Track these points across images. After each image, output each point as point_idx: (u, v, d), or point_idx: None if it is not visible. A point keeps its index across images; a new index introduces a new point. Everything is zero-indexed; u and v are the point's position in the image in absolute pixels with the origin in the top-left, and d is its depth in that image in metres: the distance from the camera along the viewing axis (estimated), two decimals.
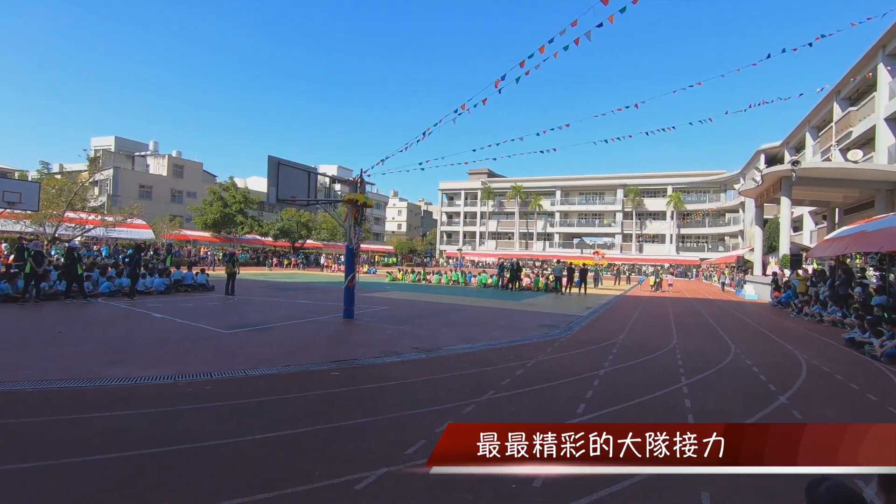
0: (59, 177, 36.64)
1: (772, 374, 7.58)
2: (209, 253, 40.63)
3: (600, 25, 7.94)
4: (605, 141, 13.85)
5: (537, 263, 62.72)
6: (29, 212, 21.41)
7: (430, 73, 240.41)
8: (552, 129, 12.53)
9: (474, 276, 30.14)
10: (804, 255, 24.84)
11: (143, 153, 56.42)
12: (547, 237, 73.25)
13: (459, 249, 63.76)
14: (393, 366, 7.42)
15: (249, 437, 4.30)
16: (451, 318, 13.14)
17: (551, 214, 73.02)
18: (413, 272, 32.37)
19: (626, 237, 68.23)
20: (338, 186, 58.50)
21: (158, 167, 54.11)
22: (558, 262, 29.62)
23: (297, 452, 4.00)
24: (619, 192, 68.47)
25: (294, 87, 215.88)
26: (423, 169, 14.85)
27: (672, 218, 64.82)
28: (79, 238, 28.01)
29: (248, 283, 21.88)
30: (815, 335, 12.52)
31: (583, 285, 25.51)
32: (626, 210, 67.92)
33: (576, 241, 71.54)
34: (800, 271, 20.76)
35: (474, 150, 20.22)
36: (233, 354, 7.64)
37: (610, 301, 21.25)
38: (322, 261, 47.16)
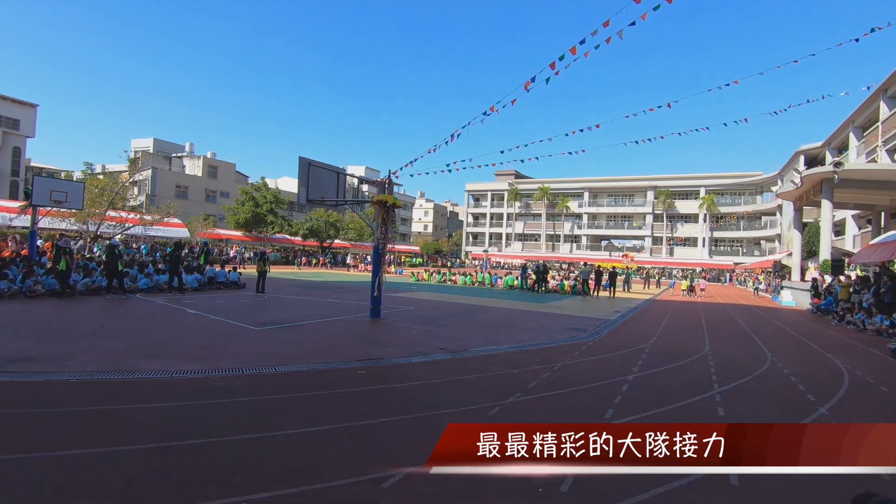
0: (101, 177, 38.24)
1: (811, 384, 7.29)
2: (240, 251, 41.67)
3: (633, 24, 7.81)
4: (636, 142, 13.61)
5: (563, 266, 62.06)
6: (74, 210, 22.39)
7: (457, 74, 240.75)
8: (581, 131, 12.40)
9: (500, 278, 30.00)
10: (846, 260, 23.80)
11: (179, 154, 58.36)
12: (574, 239, 72.35)
13: (485, 251, 63.54)
14: (419, 366, 7.45)
15: (279, 432, 4.39)
16: (476, 320, 13.12)
17: (579, 216, 72.11)
18: (439, 273, 32.46)
19: (657, 240, 66.79)
20: (365, 187, 59.20)
21: (194, 168, 55.86)
22: (585, 264, 29.21)
23: (326, 449, 4.06)
24: (650, 194, 67.06)
25: (323, 89, 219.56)
26: (450, 171, 14.93)
27: (705, 221, 63.11)
28: (119, 236, 29.15)
29: (277, 282, 22.35)
30: (857, 344, 11.98)
31: (611, 289, 25.09)
32: (656, 212, 66.49)
33: (604, 243, 70.46)
34: (842, 277, 19.89)
35: (502, 152, 20.22)
36: (263, 351, 7.82)
37: (639, 305, 20.83)
38: (349, 260, 47.80)
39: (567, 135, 10.80)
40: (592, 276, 25.10)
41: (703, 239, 63.35)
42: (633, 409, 5.58)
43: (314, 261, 46.74)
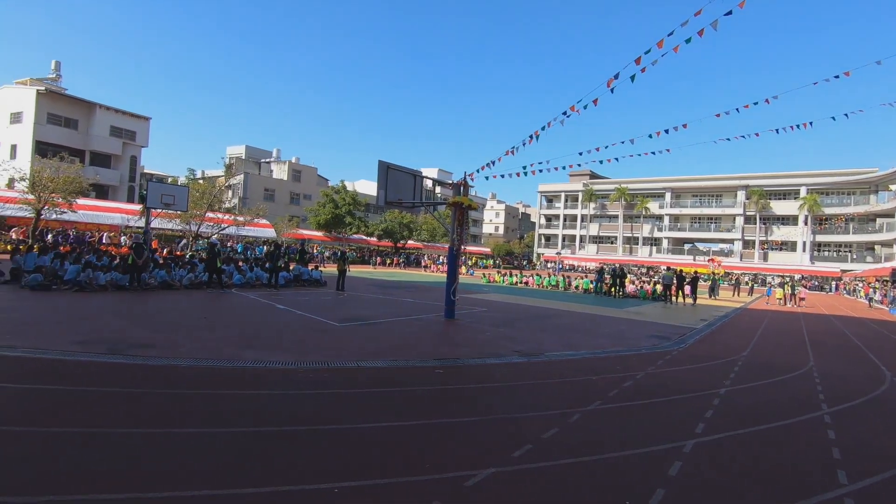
0: (201, 182, 42.01)
1: None
2: (320, 251, 43.93)
3: (729, 13, 7.28)
4: (727, 139, 12.52)
5: (642, 270, 59.08)
6: (179, 212, 24.78)
7: (536, 73, 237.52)
8: (666, 132, 11.66)
9: (578, 281, 29.16)
10: None
11: (267, 160, 62.68)
12: (654, 242, 68.65)
13: (558, 253, 62.01)
14: (495, 367, 7.45)
15: (363, 424, 4.59)
16: (551, 323, 12.87)
17: (659, 218, 68.29)
18: (511, 275, 32.20)
19: (748, 244, 61.62)
20: (438, 189, 60.13)
21: (280, 172, 59.70)
22: (668, 269, 27.58)
23: (407, 444, 4.19)
24: (740, 194, 62.02)
25: (399, 92, 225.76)
26: (526, 174, 14.70)
27: (806, 223, 57.30)
28: (215, 235, 31.84)
29: (355, 281, 23.30)
30: None
31: (693, 296, 23.48)
32: (748, 213, 61.35)
33: (687, 246, 66.16)
34: None
35: (580, 154, 19.38)
36: (345, 346, 8.20)
37: (728, 314, 19.35)
38: (423, 261, 48.76)
39: (651, 136, 9.97)
40: (675, 281, 23.65)
41: (804, 243, 57.52)
42: (728, 424, 5.21)
43: (388, 261, 48.15)
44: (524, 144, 11.19)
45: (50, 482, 3.10)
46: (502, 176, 13.60)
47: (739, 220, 62.12)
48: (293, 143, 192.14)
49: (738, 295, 33.28)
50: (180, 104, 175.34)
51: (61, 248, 19.11)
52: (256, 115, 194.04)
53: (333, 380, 6.11)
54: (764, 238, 60.74)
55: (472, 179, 12.66)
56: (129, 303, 11.63)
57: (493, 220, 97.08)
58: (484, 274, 35.16)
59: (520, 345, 9.29)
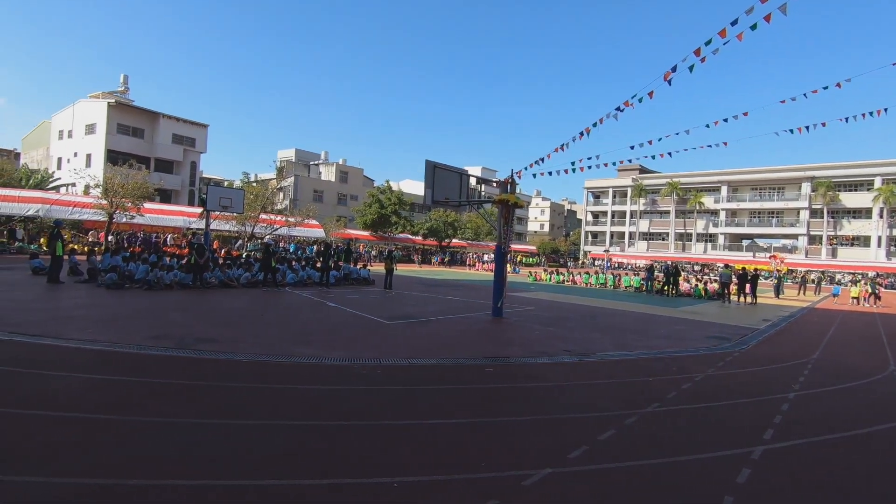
0: (255, 185, 43.83)
1: None
2: (367, 250, 44.84)
3: None
4: (791, 131, 11.57)
5: (696, 267, 56.56)
6: (235, 214, 25.96)
7: (587, 65, 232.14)
8: (725, 120, 11.04)
9: (628, 280, 28.30)
10: None
11: (316, 162, 64.62)
12: (709, 238, 65.53)
13: (606, 250, 60.33)
14: (545, 367, 7.36)
15: (416, 421, 4.64)
16: (601, 322, 12.56)
17: (715, 213, 65.08)
18: (558, 273, 31.67)
19: (814, 239, 57.69)
20: (481, 187, 59.85)
21: (328, 174, 61.39)
22: (726, 266, 26.25)
23: (462, 441, 4.20)
24: (805, 186, 58.10)
25: (445, 90, 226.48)
26: (574, 171, 14.36)
27: (881, 216, 52.96)
28: (268, 236, 33.14)
29: (402, 279, 23.60)
30: None
31: (753, 294, 22.15)
32: (814, 206, 57.41)
33: (746, 243, 62.75)
34: None
35: (632, 148, 18.56)
36: (396, 343, 8.33)
37: (794, 314, 18.20)
38: (468, 259, 48.78)
39: (708, 126, 9.40)
40: (734, 279, 22.46)
41: (879, 238, 53.20)
42: (800, 431, 4.90)
43: (430, 259, 48.33)
44: (574, 141, 10.93)
45: (131, 467, 3.32)
46: (550, 173, 13.29)
47: (804, 215, 58.23)
48: (340, 144, 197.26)
49: (804, 294, 31.21)
50: (234, 110, 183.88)
51: (131, 249, 20.47)
52: (306, 119, 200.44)
53: (386, 377, 6.22)
54: (832, 233, 56.67)
55: (519, 177, 12.53)
56: (193, 300, 12.29)
57: (538, 218, 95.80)
58: (530, 272, 34.75)
59: (570, 344, 9.12)
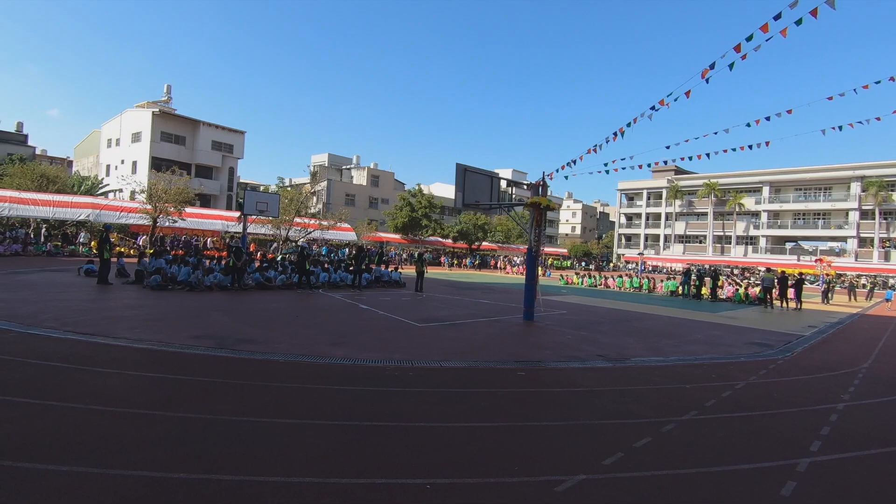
0: (289, 189, 44.97)
1: None
2: (397, 252, 45.26)
3: None
4: (839, 128, 10.89)
5: (735, 271, 54.59)
6: (271, 218, 26.68)
7: (620, 64, 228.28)
8: (767, 119, 10.64)
9: (660, 283, 27.60)
10: None
11: (348, 167, 65.69)
12: (749, 241, 63.11)
13: (640, 253, 58.94)
14: (578, 371, 7.27)
15: (450, 423, 4.68)
16: (635, 327, 12.30)
17: (756, 214, 62.64)
18: (590, 276, 31.17)
19: (865, 241, 54.73)
20: (511, 190, 59.49)
21: (360, 178, 62.32)
22: (768, 270, 25.25)
23: (493, 445, 4.21)
24: (855, 186, 55.22)
25: (476, 91, 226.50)
26: (608, 172, 14.05)
27: None
28: (302, 239, 33.91)
29: (432, 282, 23.74)
30: None
31: (798, 300, 21.17)
32: (864, 207, 54.49)
33: (789, 245, 60.11)
34: None
35: (668, 148, 18.04)
36: (428, 345, 8.40)
37: (842, 320, 17.34)
38: (501, 263, 48.57)
39: (749, 125, 8.97)
40: (777, 283, 21.57)
41: None
42: (849, 443, 4.69)
43: (456, 261, 48.12)
44: (607, 142, 10.77)
45: (178, 461, 3.48)
46: (583, 175, 13.14)
47: (853, 216, 55.35)
48: (372, 148, 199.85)
49: (855, 299, 29.65)
50: (270, 116, 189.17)
51: (174, 252, 21.35)
52: (338, 123, 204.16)
53: (418, 378, 6.29)
54: (885, 235, 53.65)
55: (550, 179, 12.43)
56: (232, 302, 12.71)
57: (569, 220, 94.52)
58: (561, 275, 34.33)
59: (603, 349, 8.98)
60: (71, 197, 30.91)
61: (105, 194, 39.96)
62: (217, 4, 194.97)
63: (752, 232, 62.78)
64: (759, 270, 47.70)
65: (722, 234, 64.63)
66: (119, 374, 5.65)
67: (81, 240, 29.07)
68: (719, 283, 24.33)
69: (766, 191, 61.96)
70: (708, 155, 12.04)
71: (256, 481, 3.27)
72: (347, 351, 7.52)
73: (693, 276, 24.87)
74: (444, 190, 62.15)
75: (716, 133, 10.95)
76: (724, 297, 23.45)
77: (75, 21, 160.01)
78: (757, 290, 23.27)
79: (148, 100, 47.87)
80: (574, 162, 11.54)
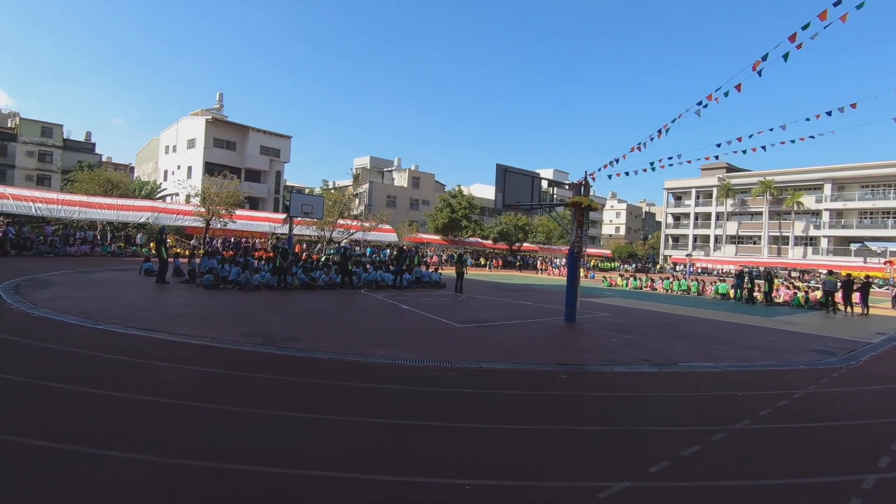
0: (333, 191, 46.12)
1: None
2: (437, 253, 45.50)
3: None
4: None
5: (792, 274, 51.57)
6: (315, 220, 27.44)
7: (665, 58, 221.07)
8: (828, 114, 9.96)
9: (709, 286, 26.45)
10: None
11: (389, 169, 66.66)
12: (809, 241, 59.45)
13: (689, 255, 56.72)
14: (621, 376, 7.08)
15: (488, 425, 4.66)
16: (683, 331, 11.84)
17: (816, 213, 58.95)
18: (635, 278, 30.26)
19: None
20: (552, 190, 58.59)
21: (401, 180, 63.12)
22: (830, 273, 23.69)
23: (535, 448, 4.16)
24: None
25: (515, 88, 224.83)
26: (654, 169, 13.64)
27: None
28: (346, 240, 34.67)
29: (472, 283, 23.69)
30: None
31: (864, 304, 19.69)
32: None
33: (854, 246, 56.15)
34: None
35: (719, 145, 16.96)
36: (468, 347, 8.40)
37: None
38: (538, 263, 47.98)
39: (808, 119, 8.37)
40: (840, 287, 20.19)
41: None
42: None
43: (494, 262, 47.69)
44: (652, 139, 10.43)
45: (226, 453, 3.64)
46: (626, 174, 12.77)
47: None
48: (412, 149, 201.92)
49: None
50: (314, 120, 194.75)
51: (225, 253, 22.31)
52: (380, 124, 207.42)
53: (458, 379, 6.29)
54: None
55: (593, 179, 12.18)
56: (278, 301, 13.16)
57: (613, 221, 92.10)
58: (605, 277, 33.51)
59: (649, 353, 8.70)
60: (133, 201, 32.95)
61: (163, 198, 42.35)
62: (267, 9, 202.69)
63: (813, 232, 59.12)
64: (820, 273, 44.85)
65: (778, 234, 61.21)
66: (175, 369, 5.96)
67: (139, 241, 30.88)
68: (774, 287, 23.07)
69: (827, 188, 58.21)
70: (765, 147, 11.08)
71: (300, 475, 3.37)
72: (389, 350, 7.63)
73: (746, 279, 23.66)
74: (484, 191, 61.89)
75: (771, 129, 10.20)
76: (780, 301, 22.22)
77: (135, 31, 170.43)
78: (817, 293, 21.90)
79: (202, 107, 50.38)
80: (617, 161, 11.23)
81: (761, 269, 52.86)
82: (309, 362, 6.72)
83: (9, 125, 53.34)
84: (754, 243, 64.01)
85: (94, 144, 59.93)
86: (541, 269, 44.95)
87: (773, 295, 22.29)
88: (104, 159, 61.80)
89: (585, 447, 4.25)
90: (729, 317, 15.83)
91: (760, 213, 62.54)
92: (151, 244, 26.96)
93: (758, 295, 22.46)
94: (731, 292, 23.73)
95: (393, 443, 4.07)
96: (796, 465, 4.11)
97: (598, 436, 4.57)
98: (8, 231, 24.77)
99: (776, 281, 24.77)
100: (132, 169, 63.28)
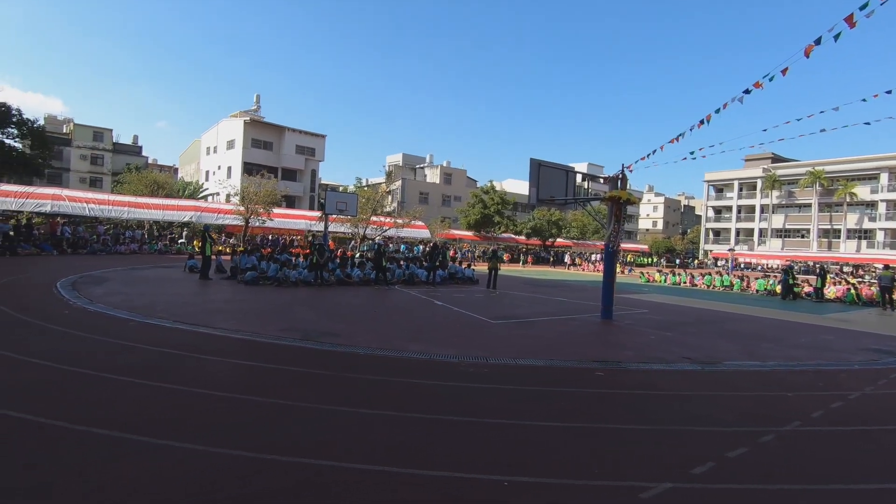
0: (366, 189, 46.74)
1: None
2: (470, 250, 45.45)
3: None
4: None
5: (844, 268, 48.88)
6: (349, 217, 27.87)
7: (706, 43, 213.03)
8: (888, 92, 9.30)
9: (759, 282, 25.34)
10: None
11: (421, 165, 66.97)
12: (864, 235, 56.16)
13: (731, 249, 54.53)
14: (661, 374, 6.89)
15: (525, 421, 4.62)
16: (727, 328, 11.42)
17: (871, 205, 55.59)
18: (674, 274, 29.37)
19: None
20: (587, 184, 57.46)
21: (433, 176, 63.32)
22: (887, 267, 22.35)
23: (574, 446, 4.10)
24: None
25: (547, 80, 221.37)
26: (694, 158, 12.99)
27: None
28: (379, 237, 35.09)
29: (505, 279, 23.54)
30: None
31: None
32: None
33: None
34: None
35: (765, 130, 16.06)
36: (502, 343, 8.37)
37: None
38: (567, 259, 47.24)
39: (864, 100, 7.82)
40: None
41: None
42: None
43: (526, 259, 47.16)
44: (691, 130, 10.06)
45: (267, 445, 3.75)
46: (666, 163, 12.37)
47: None
48: (444, 145, 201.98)
49: None
50: (347, 117, 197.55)
51: (263, 250, 22.98)
52: (411, 121, 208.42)
53: (493, 375, 6.28)
54: None
55: (630, 171, 11.87)
56: (315, 297, 13.45)
57: (650, 215, 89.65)
58: (642, 273, 32.66)
59: (690, 351, 8.43)
60: (177, 201, 34.34)
61: (205, 198, 43.97)
62: (308, 8, 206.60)
63: (867, 224, 55.81)
64: (875, 268, 42.35)
65: (829, 227, 58.13)
66: (219, 362, 6.19)
67: (182, 239, 32.18)
68: (826, 282, 21.93)
69: (884, 178, 54.76)
70: (818, 132, 10.32)
71: (339, 467, 3.43)
72: (424, 346, 7.68)
73: (791, 275, 22.58)
74: (517, 186, 61.36)
75: (822, 112, 9.58)
76: (832, 297, 21.12)
77: (179, 31, 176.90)
78: (873, 289, 20.70)
79: (240, 109, 51.93)
80: (654, 152, 10.87)
81: (810, 263, 50.38)
82: (346, 357, 6.84)
83: (64, 130, 56.47)
84: (802, 237, 61.01)
85: (140, 147, 62.83)
86: (570, 265, 44.19)
87: (824, 291, 21.20)
88: (150, 161, 64.70)
89: (625, 446, 4.16)
90: (776, 314, 15.18)
91: (809, 205, 59.51)
92: (195, 242, 28.08)
93: (804, 290, 21.40)
94: (778, 288, 22.71)
95: (429, 437, 4.10)
96: (851, 469, 3.91)
97: (638, 435, 4.47)
98: (64, 231, 26.26)
99: (827, 276, 23.51)
100: (176, 170, 65.95)
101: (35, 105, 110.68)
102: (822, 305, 19.14)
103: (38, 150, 24.13)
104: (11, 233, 23.09)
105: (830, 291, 21.57)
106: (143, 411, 4.31)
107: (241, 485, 3.12)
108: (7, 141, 22.84)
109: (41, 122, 27.33)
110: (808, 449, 4.31)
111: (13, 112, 22.10)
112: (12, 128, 22.37)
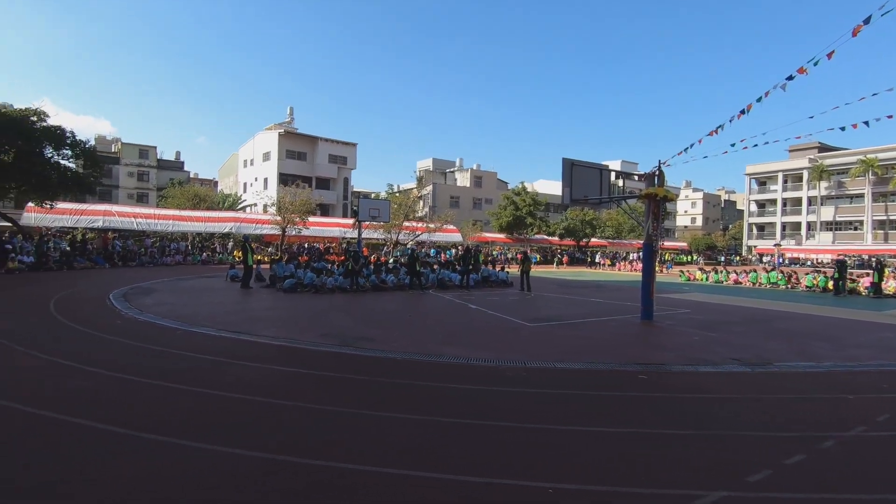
0: (398, 195, 47.17)
1: None
2: (503, 252, 45.18)
3: None
4: None
5: None
6: (382, 223, 28.22)
7: (745, 29, 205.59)
8: None
9: (809, 278, 24.11)
10: None
11: (451, 169, 67.12)
12: None
13: (777, 244, 52.13)
14: (708, 376, 6.62)
15: (568, 426, 4.52)
16: (776, 328, 10.90)
17: None
18: (716, 272, 28.30)
19: None
20: (621, 182, 56.18)
21: (463, 180, 63.36)
22: None
23: (617, 451, 3.97)
24: None
25: (577, 76, 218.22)
26: (736, 149, 12.45)
27: None
28: (411, 242, 35.35)
29: (539, 280, 23.26)
30: None
31: None
32: None
33: None
34: None
35: (811, 118, 15.02)
36: (540, 346, 8.25)
37: None
38: (598, 258, 46.25)
39: None
40: None
41: None
42: None
43: (560, 260, 46.38)
44: (731, 121, 9.65)
45: (303, 448, 3.80)
46: (705, 157, 11.90)
47: None
48: (474, 148, 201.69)
49: None
50: (377, 125, 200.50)
51: (300, 258, 23.53)
52: (441, 125, 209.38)
53: (533, 379, 6.19)
54: None
55: (667, 166, 11.52)
56: (351, 303, 13.64)
57: (688, 211, 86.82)
58: (682, 271, 31.62)
59: (738, 352, 8.07)
60: (217, 213, 35.62)
61: (244, 209, 45.39)
62: (326, 10, 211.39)
63: None
64: None
65: (884, 217, 54.74)
66: (260, 368, 6.34)
67: (218, 249, 33.30)
68: (885, 276, 20.65)
69: None
70: (867, 123, 9.54)
71: (379, 472, 3.43)
72: (460, 350, 7.65)
73: (845, 269, 21.36)
74: (548, 186, 60.63)
75: (875, 94, 8.96)
76: (891, 291, 19.87)
77: (215, 46, 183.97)
78: None
79: (275, 122, 53.46)
80: (692, 145, 10.47)
81: (865, 257, 47.60)
82: (383, 362, 6.89)
83: (112, 150, 59.57)
84: (855, 229, 57.72)
85: (182, 162, 65.50)
86: (601, 265, 43.22)
87: (882, 285, 19.98)
88: (192, 175, 67.29)
89: (674, 452, 4.00)
90: (829, 311, 14.40)
91: (861, 196, 56.28)
92: (236, 252, 29.00)
93: (863, 285, 20.22)
94: (830, 284, 21.54)
95: (471, 443, 4.06)
96: None
97: (687, 440, 4.29)
98: (115, 244, 27.64)
99: (885, 270, 22.13)
100: (216, 183, 68.39)
101: (86, 127, 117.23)
102: (880, 301, 18.02)
103: (90, 170, 25.54)
104: (68, 248, 24.50)
105: (890, 286, 20.31)
106: (186, 416, 4.45)
107: (256, 486, 3.16)
108: (63, 162, 24.27)
109: (92, 142, 28.91)
110: (874, 455, 4.04)
111: (67, 134, 23.48)
112: (67, 149, 23.76)
